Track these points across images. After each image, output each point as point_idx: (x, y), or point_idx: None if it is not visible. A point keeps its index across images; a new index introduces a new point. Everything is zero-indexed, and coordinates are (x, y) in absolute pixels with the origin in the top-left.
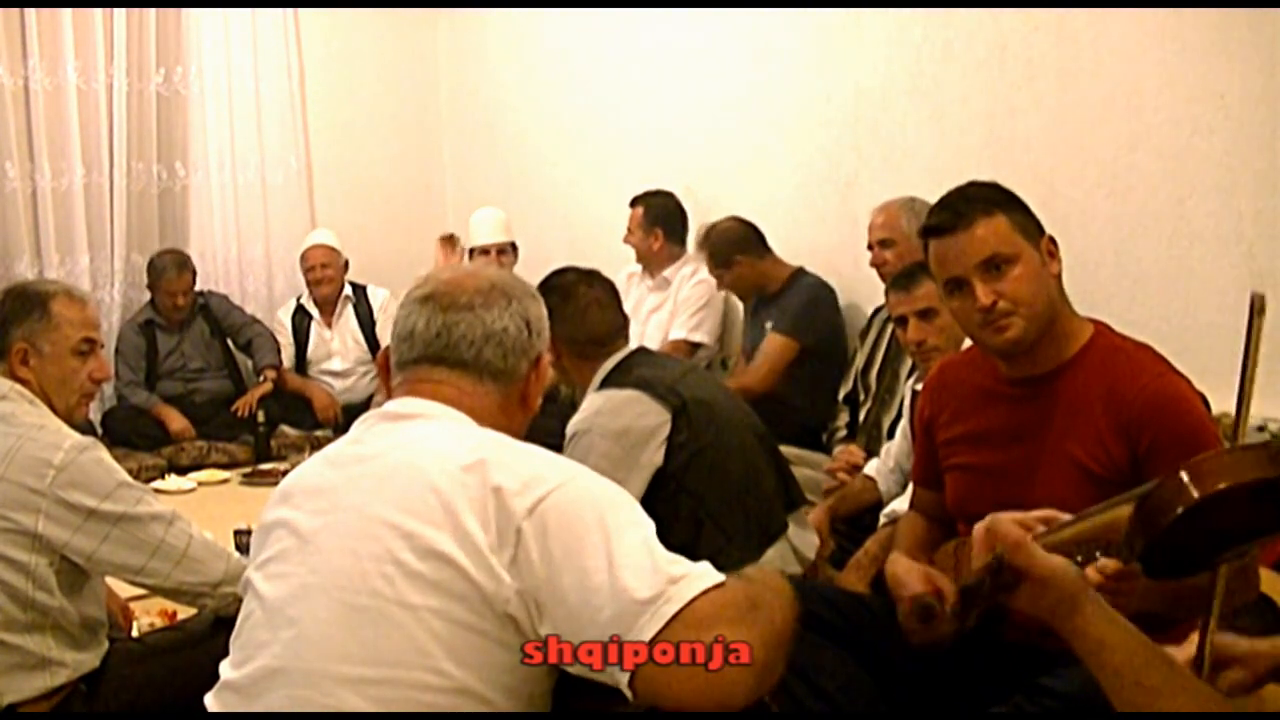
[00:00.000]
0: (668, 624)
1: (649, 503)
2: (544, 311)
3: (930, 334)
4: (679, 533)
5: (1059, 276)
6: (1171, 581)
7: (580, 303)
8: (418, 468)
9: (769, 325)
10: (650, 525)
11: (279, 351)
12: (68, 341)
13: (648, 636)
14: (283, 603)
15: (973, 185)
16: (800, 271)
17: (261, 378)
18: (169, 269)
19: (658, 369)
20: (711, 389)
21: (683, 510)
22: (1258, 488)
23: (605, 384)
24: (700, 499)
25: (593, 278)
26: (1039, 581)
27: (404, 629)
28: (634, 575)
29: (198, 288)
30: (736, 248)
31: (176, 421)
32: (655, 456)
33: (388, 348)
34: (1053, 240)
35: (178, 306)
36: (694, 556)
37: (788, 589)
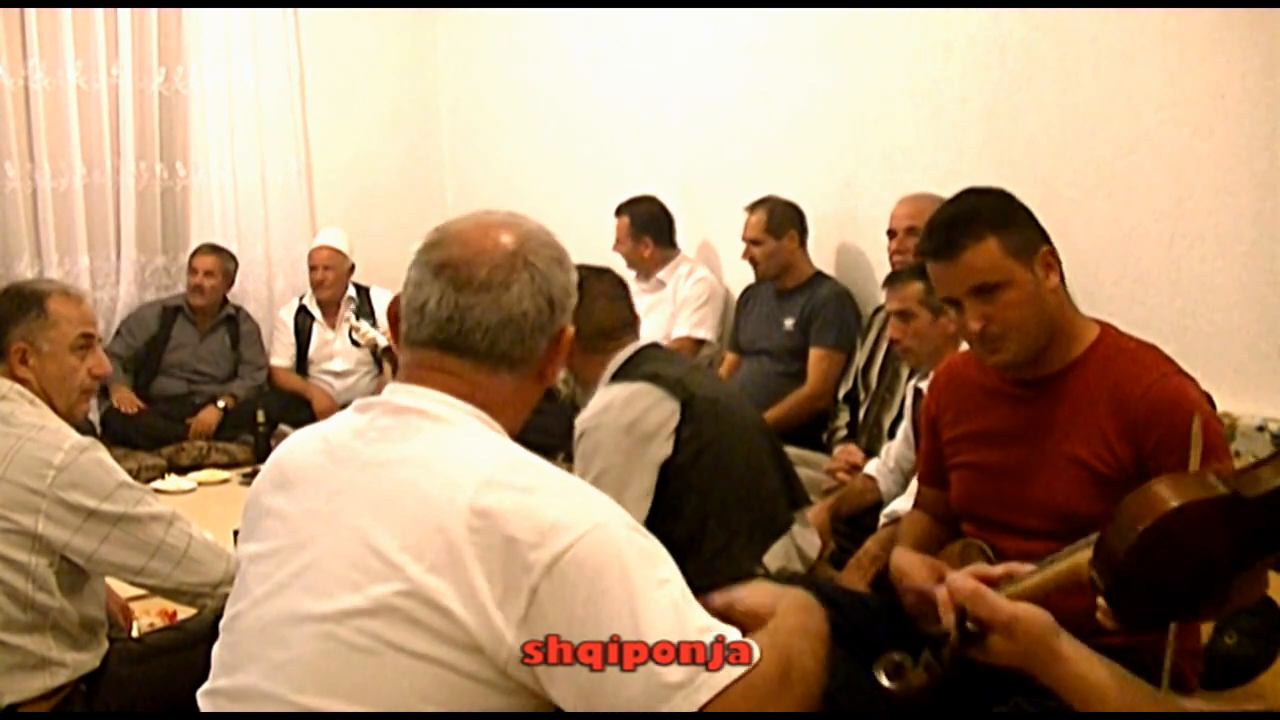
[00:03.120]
0: (701, 708)
1: (655, 497)
2: (571, 279)
3: (905, 335)
4: (683, 527)
5: (1058, 287)
6: (1154, 632)
7: (588, 295)
8: (426, 500)
9: (789, 323)
10: (681, 581)
11: (255, 390)
12: (66, 339)
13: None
14: (277, 618)
15: (970, 197)
16: (820, 274)
17: (222, 404)
18: (203, 247)
19: (666, 364)
20: (717, 386)
21: (688, 505)
22: (1199, 512)
23: (614, 379)
24: (705, 494)
25: (602, 273)
26: (1004, 628)
27: (403, 675)
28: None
29: (236, 302)
30: (793, 223)
31: (127, 404)
32: (664, 448)
33: (398, 296)
34: (1052, 251)
35: (200, 288)
36: (699, 551)
37: (817, 622)
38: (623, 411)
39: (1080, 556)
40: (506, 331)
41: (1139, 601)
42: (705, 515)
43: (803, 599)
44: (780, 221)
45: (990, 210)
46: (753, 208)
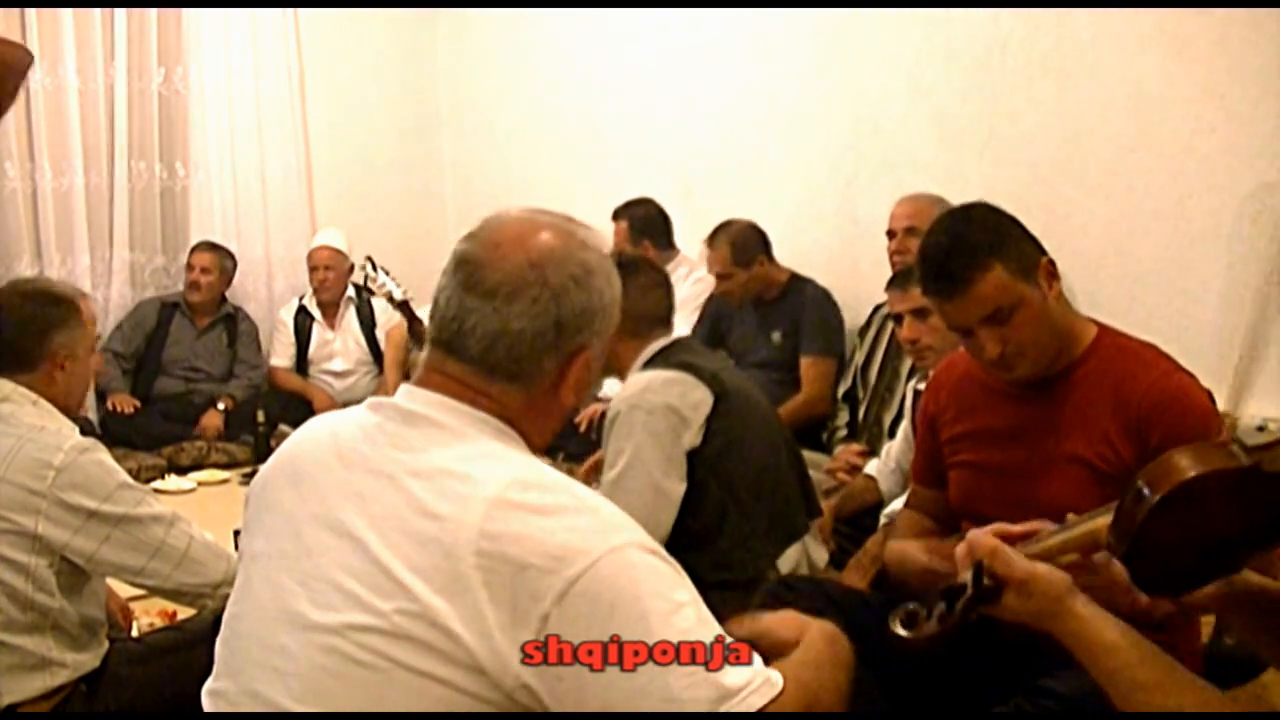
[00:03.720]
0: None
1: None
2: (595, 301)
3: (924, 333)
4: (703, 518)
5: (1061, 294)
6: (1170, 597)
7: (639, 280)
8: (434, 519)
9: (777, 336)
10: (698, 605)
11: (251, 390)
12: (89, 340)
13: None
14: (280, 624)
15: (960, 224)
16: (796, 277)
17: (221, 405)
18: (201, 244)
19: (700, 357)
20: (747, 385)
21: (710, 496)
22: (1219, 482)
23: (647, 367)
24: (728, 486)
25: (647, 264)
26: (1020, 585)
27: (405, 692)
28: (684, 678)
29: (236, 302)
30: (758, 247)
31: (124, 404)
32: (695, 437)
33: None
34: (1051, 261)
35: (196, 284)
36: (716, 543)
37: (843, 653)
38: (660, 393)
39: (1100, 521)
40: (501, 344)
41: (1153, 568)
42: (726, 507)
43: (829, 630)
44: (745, 251)
45: (984, 235)
46: (712, 241)
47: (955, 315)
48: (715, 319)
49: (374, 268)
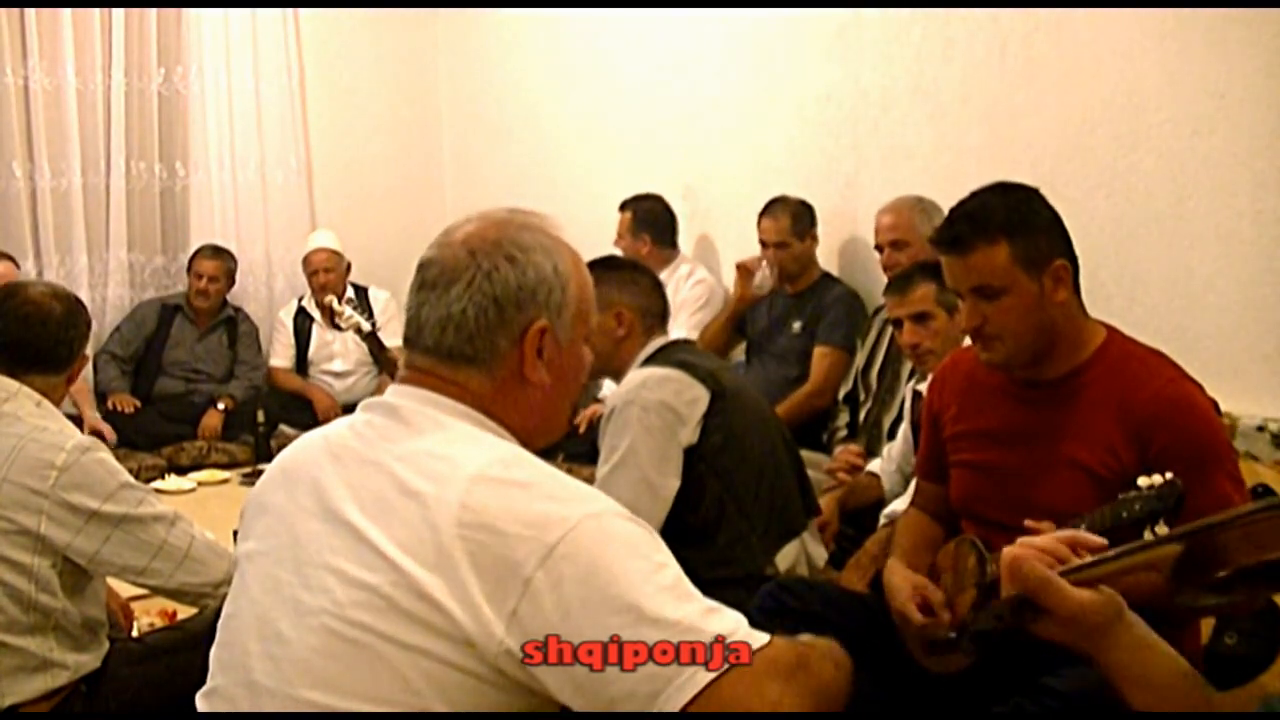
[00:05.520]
0: (704, 690)
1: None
2: (532, 275)
3: (925, 337)
4: (702, 514)
5: (1067, 300)
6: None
7: (644, 279)
8: (417, 498)
9: (797, 326)
10: (676, 567)
11: (251, 390)
12: None
13: (681, 703)
14: (275, 614)
15: (995, 194)
16: (828, 275)
17: (221, 405)
18: (205, 250)
19: (697, 357)
20: (745, 384)
21: (709, 492)
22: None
23: (646, 364)
24: (727, 482)
25: (644, 269)
26: (1066, 620)
27: (396, 669)
28: (665, 634)
29: (236, 303)
30: (813, 222)
31: (124, 404)
32: (693, 434)
33: None
34: (1067, 265)
35: (204, 292)
36: (714, 539)
37: (842, 655)
38: (656, 390)
39: (1165, 551)
40: (449, 328)
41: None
42: (724, 503)
43: (826, 639)
44: (801, 222)
45: (1009, 213)
46: (772, 211)
47: (949, 272)
48: (742, 320)
49: (339, 301)
